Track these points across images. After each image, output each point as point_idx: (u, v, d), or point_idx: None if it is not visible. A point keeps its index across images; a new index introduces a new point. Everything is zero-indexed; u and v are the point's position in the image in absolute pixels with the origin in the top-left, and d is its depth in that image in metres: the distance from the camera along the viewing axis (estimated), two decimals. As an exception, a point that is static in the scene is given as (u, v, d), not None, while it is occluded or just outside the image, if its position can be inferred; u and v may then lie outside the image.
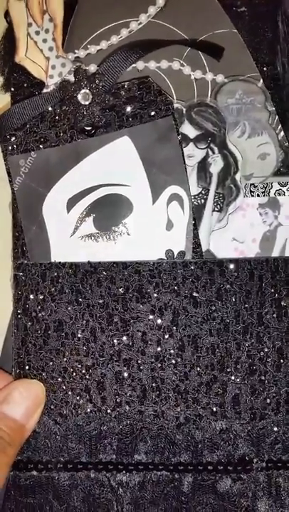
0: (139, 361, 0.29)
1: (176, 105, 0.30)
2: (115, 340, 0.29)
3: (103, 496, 0.29)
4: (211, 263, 0.29)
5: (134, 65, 0.30)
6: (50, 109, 0.30)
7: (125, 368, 0.29)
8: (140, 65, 0.30)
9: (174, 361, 0.29)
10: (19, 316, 0.30)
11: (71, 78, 0.29)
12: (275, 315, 0.29)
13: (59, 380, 0.29)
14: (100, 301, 0.29)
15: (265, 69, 0.31)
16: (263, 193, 0.30)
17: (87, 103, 0.29)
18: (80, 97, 0.28)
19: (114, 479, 0.29)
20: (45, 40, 0.30)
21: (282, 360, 0.29)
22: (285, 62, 0.30)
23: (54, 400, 0.29)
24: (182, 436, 0.29)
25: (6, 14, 0.31)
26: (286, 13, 0.30)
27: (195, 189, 0.30)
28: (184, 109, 0.30)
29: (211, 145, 0.29)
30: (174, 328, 0.29)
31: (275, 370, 0.29)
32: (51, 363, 0.29)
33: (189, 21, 0.30)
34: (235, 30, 0.30)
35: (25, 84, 0.31)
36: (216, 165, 0.29)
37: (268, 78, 0.30)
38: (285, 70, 0.30)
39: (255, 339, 0.29)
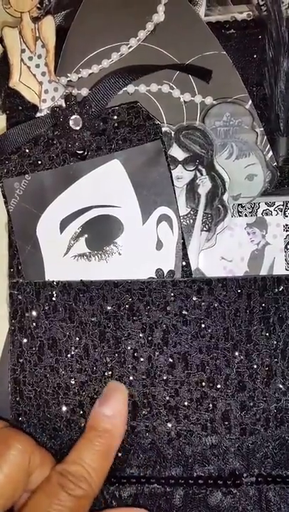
0: (130, 378, 0.30)
1: (164, 129, 0.30)
2: (107, 357, 0.30)
3: (96, 508, 0.30)
4: (200, 282, 0.30)
5: (124, 89, 0.31)
6: (43, 133, 0.30)
7: (117, 384, 0.30)
8: (130, 88, 0.31)
9: (164, 378, 0.30)
10: (15, 333, 0.31)
11: (63, 104, 0.30)
12: (263, 332, 0.30)
13: (53, 395, 0.30)
14: (93, 319, 0.30)
15: (253, 89, 0.31)
16: (250, 213, 0.30)
17: (78, 128, 0.29)
18: (71, 122, 0.29)
19: (108, 492, 0.30)
20: (38, 66, 0.31)
21: (271, 377, 0.30)
22: (272, 83, 0.31)
23: (48, 416, 0.30)
24: (173, 450, 0.30)
25: (1, 40, 0.32)
26: (272, 36, 0.30)
27: (184, 209, 0.30)
28: (173, 133, 0.30)
29: (199, 167, 0.30)
30: (165, 345, 0.30)
31: (264, 386, 0.30)
32: (46, 379, 0.30)
33: (179, 44, 0.31)
34: (224, 52, 0.31)
35: (20, 108, 0.32)
36: (204, 186, 0.30)
37: (256, 98, 0.31)
38: (273, 91, 0.30)
39: (245, 356, 0.30)
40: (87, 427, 0.28)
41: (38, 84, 0.31)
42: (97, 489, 0.27)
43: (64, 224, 0.31)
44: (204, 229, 0.30)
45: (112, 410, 0.28)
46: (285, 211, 0.31)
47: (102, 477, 0.27)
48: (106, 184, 0.30)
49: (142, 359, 0.30)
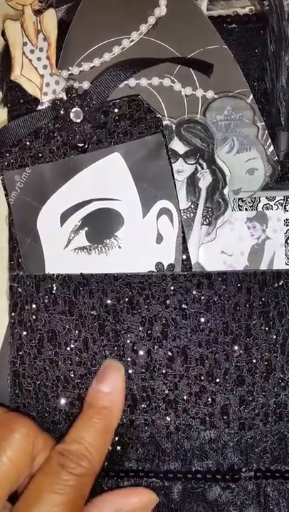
0: (129, 371, 0.30)
1: (165, 122, 0.30)
2: (107, 351, 0.30)
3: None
4: (200, 276, 0.30)
5: (125, 82, 0.31)
6: (44, 126, 0.30)
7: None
8: (132, 82, 0.31)
9: (164, 371, 0.30)
10: (14, 326, 0.31)
11: (64, 97, 0.30)
12: (263, 327, 0.30)
13: (53, 388, 0.30)
14: (92, 312, 0.30)
15: (255, 83, 0.31)
16: (250, 207, 0.30)
17: (78, 121, 0.29)
18: (72, 115, 0.29)
19: (106, 485, 0.30)
20: (39, 59, 0.31)
21: (270, 371, 0.30)
22: (273, 77, 0.30)
23: (47, 408, 0.30)
24: (171, 444, 0.30)
25: (3, 33, 0.32)
26: (274, 30, 0.30)
27: (184, 203, 0.30)
28: (174, 126, 0.30)
29: (200, 160, 0.30)
30: (164, 339, 0.30)
31: (263, 380, 0.30)
32: (45, 372, 0.30)
33: (180, 38, 0.31)
34: (226, 47, 0.31)
35: (21, 101, 0.32)
36: (205, 180, 0.30)
37: (257, 92, 0.31)
38: (274, 86, 0.30)
39: (244, 350, 0.30)
40: (84, 404, 0.28)
41: (39, 77, 0.31)
42: (98, 466, 0.27)
43: (64, 217, 0.31)
44: (204, 223, 0.30)
45: (110, 387, 0.28)
46: (285, 205, 0.30)
47: (102, 454, 0.27)
48: (106, 177, 0.30)
49: (141, 352, 0.30)
